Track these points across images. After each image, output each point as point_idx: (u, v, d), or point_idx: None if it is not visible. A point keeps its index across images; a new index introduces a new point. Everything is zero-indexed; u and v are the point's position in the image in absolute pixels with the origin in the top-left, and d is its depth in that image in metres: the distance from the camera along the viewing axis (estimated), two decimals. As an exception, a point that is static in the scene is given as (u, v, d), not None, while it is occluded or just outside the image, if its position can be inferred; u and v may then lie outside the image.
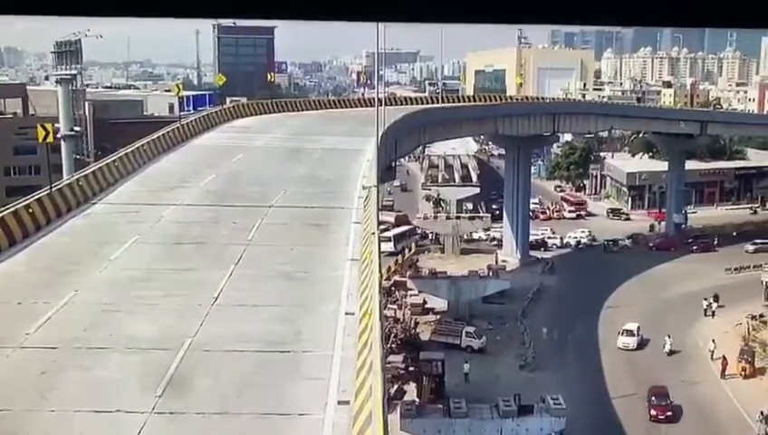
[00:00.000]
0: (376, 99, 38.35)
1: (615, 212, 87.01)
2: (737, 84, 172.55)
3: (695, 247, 72.37)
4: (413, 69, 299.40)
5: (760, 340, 47.84)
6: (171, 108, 78.42)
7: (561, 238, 74.65)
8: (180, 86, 55.97)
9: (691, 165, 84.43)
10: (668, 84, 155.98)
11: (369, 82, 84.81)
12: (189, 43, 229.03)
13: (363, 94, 73.97)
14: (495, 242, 71.88)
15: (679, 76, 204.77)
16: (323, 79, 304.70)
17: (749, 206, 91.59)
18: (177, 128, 39.57)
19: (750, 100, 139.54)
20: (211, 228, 22.92)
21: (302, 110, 57.36)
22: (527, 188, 72.68)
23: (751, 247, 71.44)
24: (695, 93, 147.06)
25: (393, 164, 48.16)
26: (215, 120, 46.01)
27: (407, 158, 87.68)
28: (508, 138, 69.09)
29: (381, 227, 28.69)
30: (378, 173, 28.59)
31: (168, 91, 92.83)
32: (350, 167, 32.82)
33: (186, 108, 79.02)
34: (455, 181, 73.27)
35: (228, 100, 76.70)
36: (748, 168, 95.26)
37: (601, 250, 72.02)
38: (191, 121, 42.84)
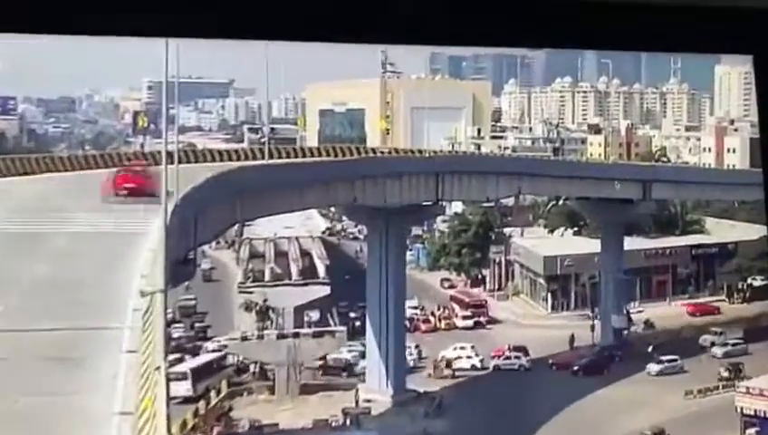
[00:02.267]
0: (164, 153, 39.86)
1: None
2: (687, 129, 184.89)
3: (576, 368, 74.60)
4: (223, 107, 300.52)
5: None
6: None
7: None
8: None
9: (633, 243, 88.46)
10: (597, 129, 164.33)
11: (152, 126, 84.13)
12: None
13: (143, 145, 73.45)
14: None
15: (610, 117, 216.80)
16: (78, 123, 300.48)
17: (716, 298, 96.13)
18: None
19: (705, 149, 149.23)
20: None
21: (43, 172, 57.78)
22: (400, 284, 73.35)
23: (654, 368, 73.91)
24: (632, 141, 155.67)
25: (191, 255, 47.96)
26: None
27: (214, 244, 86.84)
28: (371, 210, 69.90)
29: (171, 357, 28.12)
30: (166, 270, 28.91)
31: None
32: (119, 260, 33.10)
33: None
34: (291, 278, 72.97)
35: None
36: (708, 245, 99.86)
37: (509, 378, 73.23)
38: None
